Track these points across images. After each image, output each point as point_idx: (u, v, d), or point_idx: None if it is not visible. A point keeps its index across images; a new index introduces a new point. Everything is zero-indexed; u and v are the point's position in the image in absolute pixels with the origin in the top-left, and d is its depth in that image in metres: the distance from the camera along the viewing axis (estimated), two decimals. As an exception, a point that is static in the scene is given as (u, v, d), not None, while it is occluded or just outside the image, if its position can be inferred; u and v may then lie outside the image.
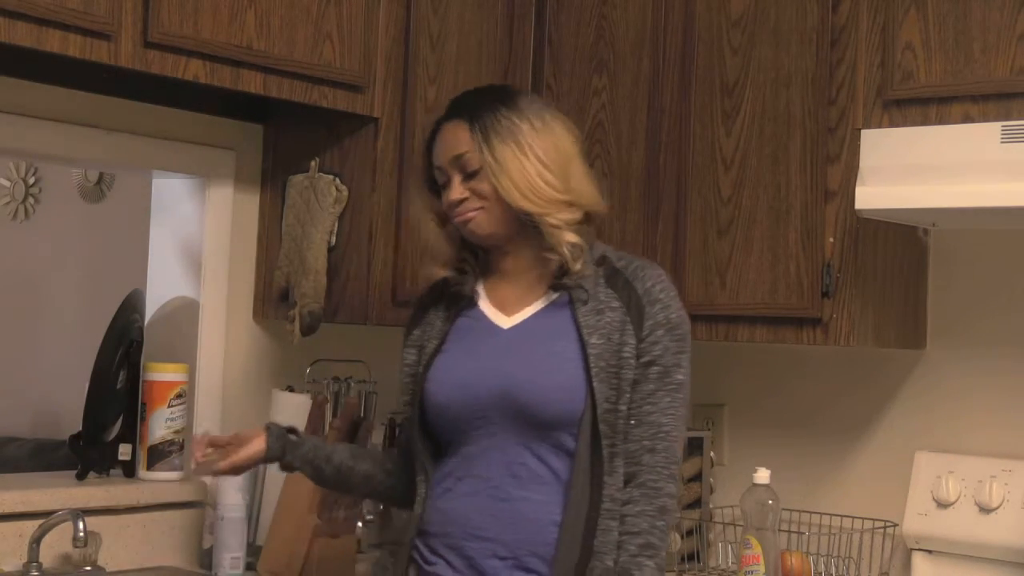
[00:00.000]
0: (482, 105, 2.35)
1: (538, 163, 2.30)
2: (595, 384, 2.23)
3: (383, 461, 2.50)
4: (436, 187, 2.39)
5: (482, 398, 2.29)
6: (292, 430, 2.43)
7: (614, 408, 2.24)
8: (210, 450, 2.38)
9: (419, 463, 2.36)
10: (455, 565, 2.28)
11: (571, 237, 2.30)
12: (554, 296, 2.34)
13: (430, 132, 2.42)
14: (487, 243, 2.37)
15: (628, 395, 2.25)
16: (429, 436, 2.36)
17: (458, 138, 2.34)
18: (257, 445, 2.37)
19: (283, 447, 2.39)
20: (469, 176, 2.32)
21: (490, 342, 2.34)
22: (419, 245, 3.05)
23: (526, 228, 2.33)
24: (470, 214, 2.32)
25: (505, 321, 2.35)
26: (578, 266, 2.30)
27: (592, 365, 2.24)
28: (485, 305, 2.38)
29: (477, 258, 2.41)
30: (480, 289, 2.40)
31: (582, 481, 2.22)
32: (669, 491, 2.25)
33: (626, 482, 2.24)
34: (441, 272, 2.41)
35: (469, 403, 2.30)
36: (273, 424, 2.43)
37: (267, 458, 2.40)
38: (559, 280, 2.32)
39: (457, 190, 2.33)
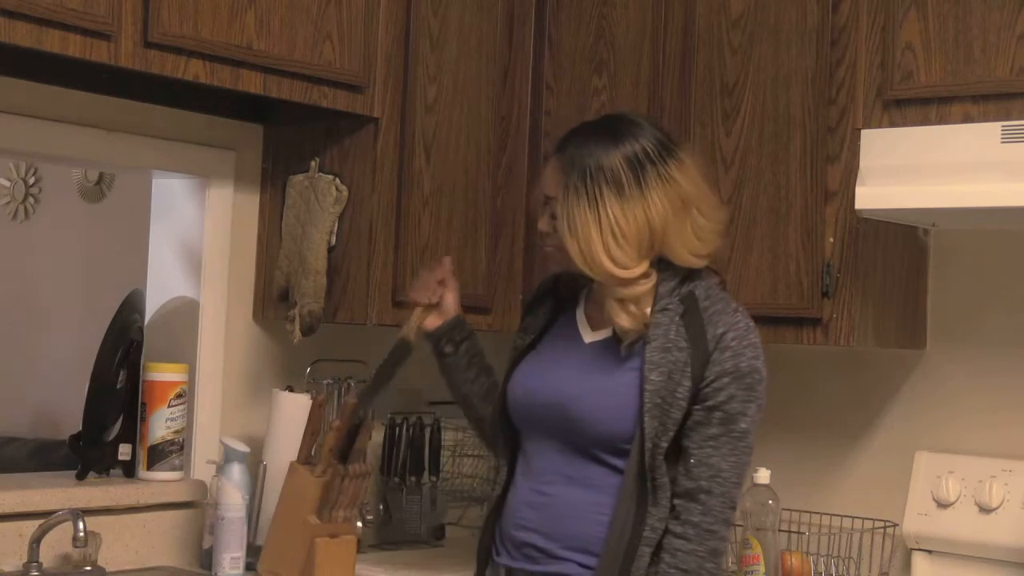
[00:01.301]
0: (581, 155, 2.31)
1: (611, 237, 2.28)
2: (646, 419, 2.25)
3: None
4: None
5: (538, 405, 2.39)
6: (455, 343, 2.58)
7: (658, 444, 2.26)
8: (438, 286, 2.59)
9: (500, 451, 2.49)
10: (513, 555, 2.38)
11: (625, 321, 2.31)
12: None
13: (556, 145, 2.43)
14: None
15: (672, 434, 2.26)
16: (512, 427, 2.46)
17: (553, 180, 2.35)
18: (432, 323, 2.60)
19: (435, 349, 2.61)
20: (555, 216, 2.35)
21: (568, 352, 2.41)
22: (419, 245, 3.06)
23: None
24: (548, 250, 2.39)
25: (589, 335, 2.41)
26: (626, 343, 2.32)
27: (647, 401, 2.26)
28: (580, 314, 2.45)
29: None
30: (582, 297, 2.46)
31: (626, 510, 2.27)
32: (722, 534, 2.28)
33: (677, 514, 2.27)
34: (555, 268, 2.45)
35: (528, 408, 2.41)
36: (456, 322, 2.59)
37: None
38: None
39: (544, 223, 2.38)
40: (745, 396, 2.28)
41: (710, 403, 2.27)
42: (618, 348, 2.34)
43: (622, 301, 2.31)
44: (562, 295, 2.49)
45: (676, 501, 2.26)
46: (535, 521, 2.35)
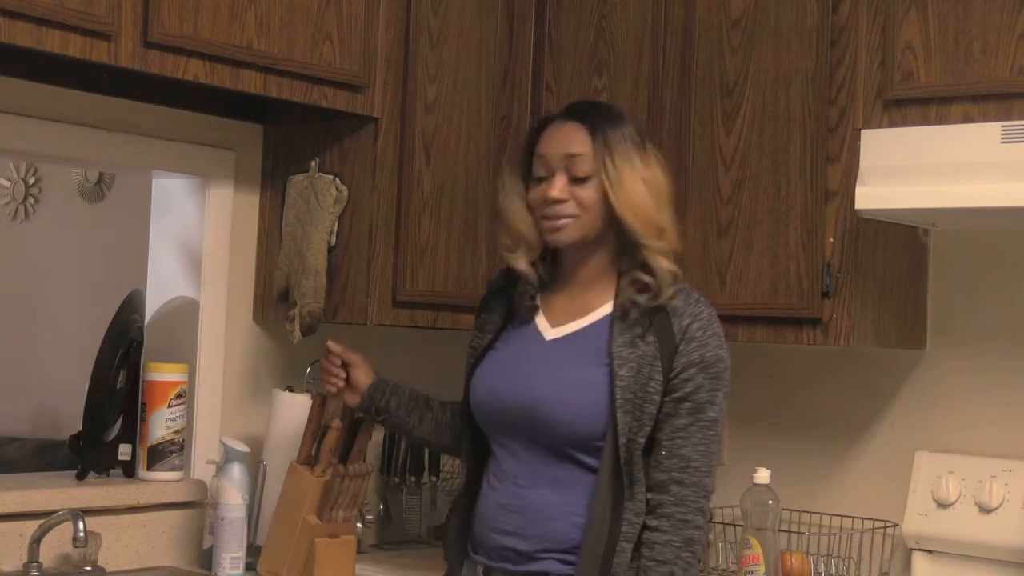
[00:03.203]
0: (605, 118, 2.38)
1: (645, 187, 2.34)
2: (619, 415, 2.27)
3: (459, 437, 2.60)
4: (529, 178, 2.42)
5: (506, 407, 2.39)
6: (381, 409, 2.64)
7: (634, 439, 2.28)
8: (337, 366, 2.66)
9: (464, 451, 2.50)
10: (491, 556, 2.39)
11: (670, 265, 2.33)
12: (597, 317, 2.38)
13: (538, 123, 2.47)
14: (563, 247, 2.41)
15: (648, 428, 2.28)
16: (476, 428, 2.47)
17: (576, 139, 2.36)
18: (351, 400, 2.67)
19: (365, 414, 2.68)
20: (575, 180, 2.35)
21: (530, 350, 2.42)
22: (419, 245, 3.06)
23: (601, 244, 2.38)
24: (562, 221, 2.37)
25: (550, 332, 2.42)
26: (669, 293, 2.33)
27: (618, 396, 2.27)
28: (535, 311, 2.45)
29: (548, 258, 2.46)
30: (538, 295, 2.46)
31: (602, 507, 2.28)
32: (697, 523, 2.29)
33: (652, 508, 2.29)
34: (522, 263, 2.44)
35: (495, 409, 2.41)
36: (373, 390, 2.64)
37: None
38: (634, 302, 2.33)
39: (560, 188, 2.36)
40: (712, 385, 2.31)
41: (678, 394, 2.29)
42: (582, 344, 2.35)
43: (662, 252, 2.33)
44: (512, 293, 2.48)
45: (649, 495, 2.29)
46: (513, 525, 2.35)
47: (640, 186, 2.34)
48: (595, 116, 2.39)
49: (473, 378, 2.46)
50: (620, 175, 2.33)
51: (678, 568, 2.27)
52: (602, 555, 2.27)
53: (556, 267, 2.47)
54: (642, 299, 2.33)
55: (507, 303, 2.50)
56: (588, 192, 2.35)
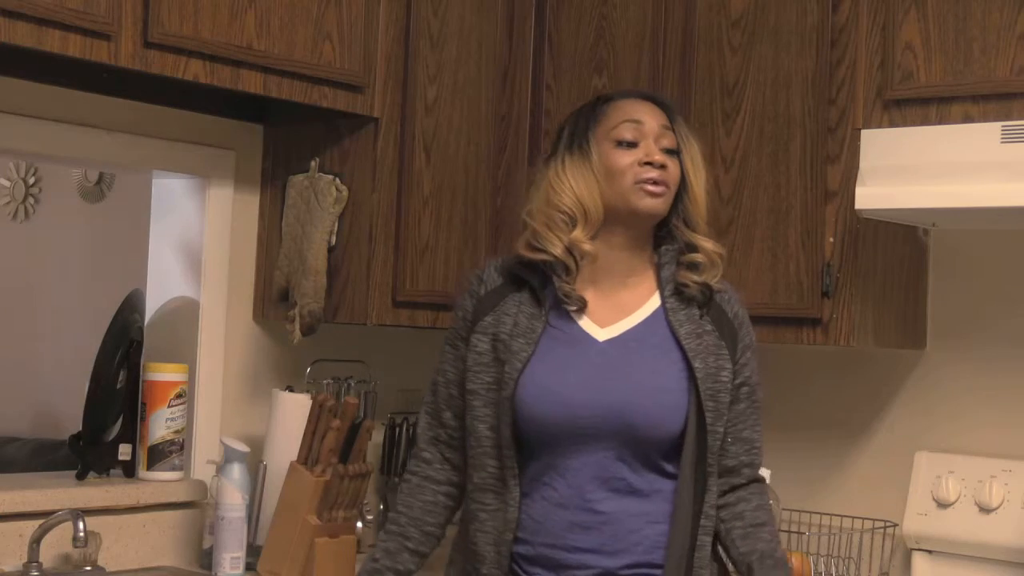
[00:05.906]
0: (675, 110, 2.36)
1: (705, 179, 2.34)
2: (707, 406, 2.23)
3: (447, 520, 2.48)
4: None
5: (586, 416, 2.22)
6: None
7: (714, 429, 2.25)
8: None
9: (507, 467, 2.26)
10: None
11: (716, 247, 2.31)
12: (648, 312, 2.29)
13: (599, 98, 2.36)
14: (640, 220, 2.28)
15: (725, 417, 2.27)
16: (517, 439, 2.26)
17: (660, 114, 2.31)
18: None
19: None
20: (667, 152, 2.28)
21: (588, 355, 2.26)
22: (419, 245, 3.06)
23: (653, 232, 2.33)
24: (661, 188, 2.26)
25: (599, 332, 2.28)
26: (716, 273, 2.31)
27: (701, 387, 2.23)
28: (576, 312, 2.28)
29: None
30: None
31: (686, 501, 2.23)
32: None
33: (725, 492, 2.29)
34: (584, 242, 2.26)
35: (571, 421, 2.22)
36: None
37: None
38: (684, 282, 2.28)
39: (662, 156, 2.27)
40: (757, 366, 2.34)
41: (739, 380, 2.29)
42: (645, 341, 2.27)
43: (708, 236, 2.32)
44: (534, 296, 2.29)
45: (720, 480, 2.28)
46: (592, 542, 2.22)
47: (704, 173, 2.33)
48: (670, 105, 2.35)
49: (524, 393, 2.23)
50: (698, 157, 2.32)
51: (774, 526, 2.30)
52: (688, 549, 2.22)
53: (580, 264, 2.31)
54: (692, 277, 2.28)
55: (532, 307, 2.28)
56: (677, 167, 2.29)
